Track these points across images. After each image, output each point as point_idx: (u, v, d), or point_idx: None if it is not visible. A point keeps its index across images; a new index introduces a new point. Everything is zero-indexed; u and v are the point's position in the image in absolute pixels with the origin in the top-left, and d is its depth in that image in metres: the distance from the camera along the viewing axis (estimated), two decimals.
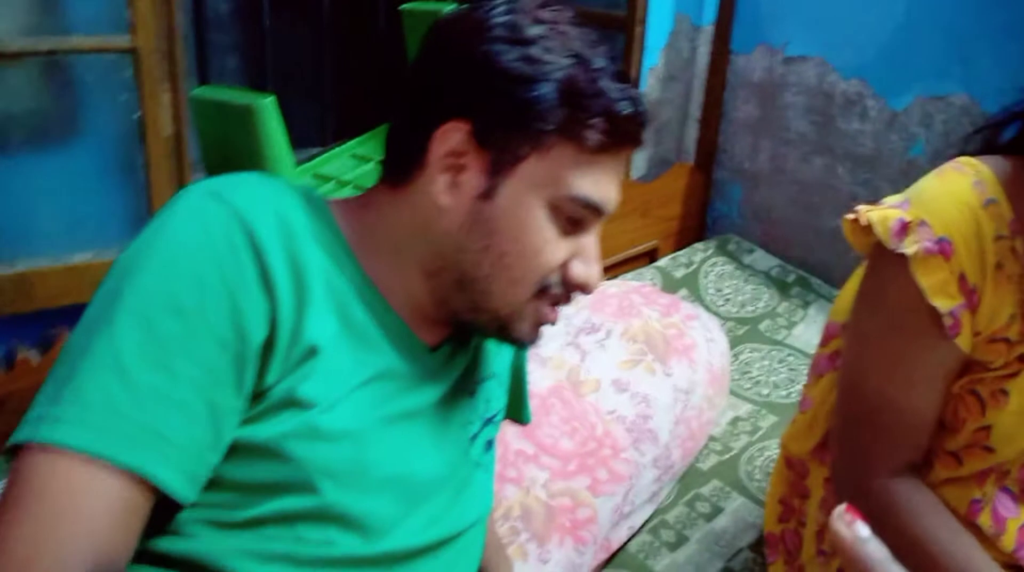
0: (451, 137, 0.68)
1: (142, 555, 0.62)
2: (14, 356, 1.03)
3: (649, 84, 2.27)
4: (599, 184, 0.69)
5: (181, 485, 0.60)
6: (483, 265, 0.69)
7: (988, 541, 1.00)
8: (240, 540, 0.64)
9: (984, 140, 1.04)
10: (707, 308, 1.98)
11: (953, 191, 0.95)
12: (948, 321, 0.93)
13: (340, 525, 0.67)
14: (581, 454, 1.31)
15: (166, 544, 0.63)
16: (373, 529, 0.68)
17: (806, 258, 2.18)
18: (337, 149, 2.10)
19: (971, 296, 0.93)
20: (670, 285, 2.01)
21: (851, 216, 1.00)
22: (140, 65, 1.44)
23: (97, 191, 1.52)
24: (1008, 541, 0.99)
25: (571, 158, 0.68)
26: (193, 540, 0.63)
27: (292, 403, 0.64)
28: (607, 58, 0.69)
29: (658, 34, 2.24)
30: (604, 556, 1.30)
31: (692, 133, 2.36)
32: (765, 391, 1.77)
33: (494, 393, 0.84)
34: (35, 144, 1.45)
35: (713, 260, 2.11)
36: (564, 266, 0.71)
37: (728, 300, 2.03)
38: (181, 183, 1.54)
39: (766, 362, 1.84)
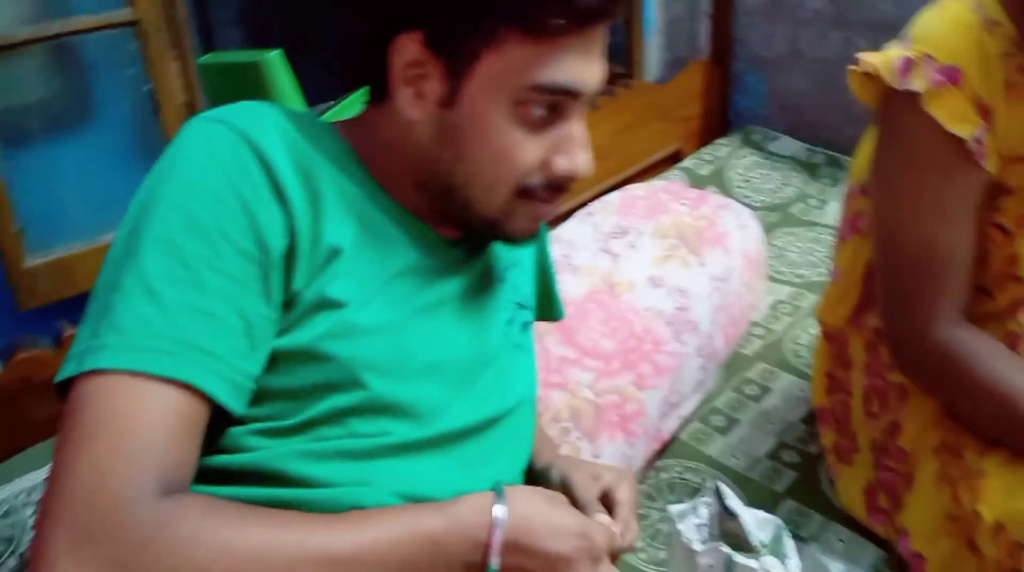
0: (406, 49, 0.67)
1: (202, 474, 0.64)
2: (61, 334, 1.09)
3: None
4: (567, 67, 0.67)
5: (226, 393, 0.62)
6: (458, 174, 0.69)
7: None
8: (296, 443, 0.66)
9: None
10: (737, 200, 1.96)
11: (952, 17, 0.93)
12: (973, 146, 0.92)
13: (391, 414, 0.69)
14: (623, 352, 1.32)
15: (224, 460, 0.65)
16: (424, 414, 0.71)
17: (833, 138, 2.13)
18: (349, 98, 2.10)
19: (988, 117, 0.92)
20: (697, 183, 2.00)
21: (854, 67, 0.98)
22: (145, 36, 1.46)
23: (120, 168, 1.55)
24: None
25: (530, 49, 0.66)
26: (250, 452, 0.66)
27: (324, 304, 0.66)
28: None
29: None
30: (657, 446, 1.32)
31: (704, 28, 2.31)
32: (804, 272, 1.76)
33: (521, 279, 0.87)
34: (53, 130, 1.49)
35: (738, 153, 2.08)
36: (547, 162, 0.70)
37: (758, 190, 2.01)
38: None
39: (801, 244, 1.83)
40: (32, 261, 1.43)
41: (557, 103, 0.68)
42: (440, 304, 0.74)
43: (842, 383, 1.22)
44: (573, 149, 0.70)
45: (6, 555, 0.90)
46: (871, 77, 0.97)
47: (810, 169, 2.05)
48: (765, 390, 1.43)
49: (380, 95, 0.72)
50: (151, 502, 0.57)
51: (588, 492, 0.83)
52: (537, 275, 0.93)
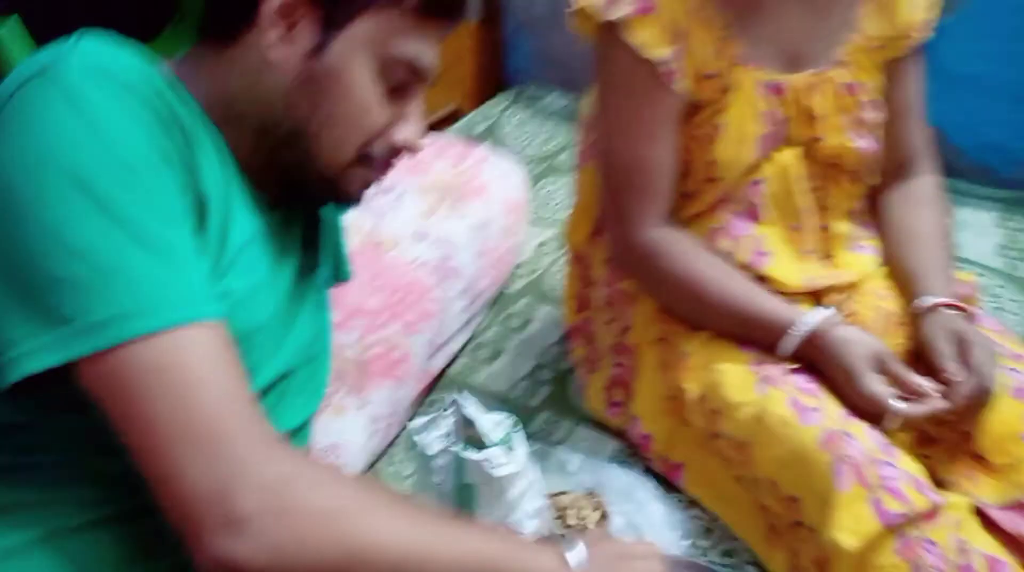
0: None
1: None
2: None
3: None
4: (425, 50, 0.74)
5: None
6: (311, 123, 0.73)
7: (728, 257, 1.16)
8: None
9: None
10: (510, 153, 2.08)
11: None
12: (663, 69, 1.06)
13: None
14: (390, 304, 1.41)
15: None
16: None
17: None
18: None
19: (683, 40, 1.06)
20: (474, 140, 2.10)
21: (569, 8, 1.11)
22: None
23: None
24: (743, 253, 1.16)
25: (400, 20, 0.72)
26: None
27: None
28: None
29: None
30: (424, 384, 1.43)
31: None
32: (567, 213, 1.89)
33: (330, 240, 0.93)
34: None
35: (512, 110, 2.21)
36: (387, 132, 0.76)
37: (529, 142, 2.14)
38: None
39: (565, 189, 1.97)
40: None
41: (408, 81, 0.75)
42: (280, 269, 0.79)
43: (588, 301, 1.37)
44: (413, 122, 0.77)
45: None
46: (589, 15, 1.09)
47: (577, 120, 2.19)
48: (527, 321, 1.57)
49: (230, 35, 0.72)
50: (274, 449, 0.62)
51: None
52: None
